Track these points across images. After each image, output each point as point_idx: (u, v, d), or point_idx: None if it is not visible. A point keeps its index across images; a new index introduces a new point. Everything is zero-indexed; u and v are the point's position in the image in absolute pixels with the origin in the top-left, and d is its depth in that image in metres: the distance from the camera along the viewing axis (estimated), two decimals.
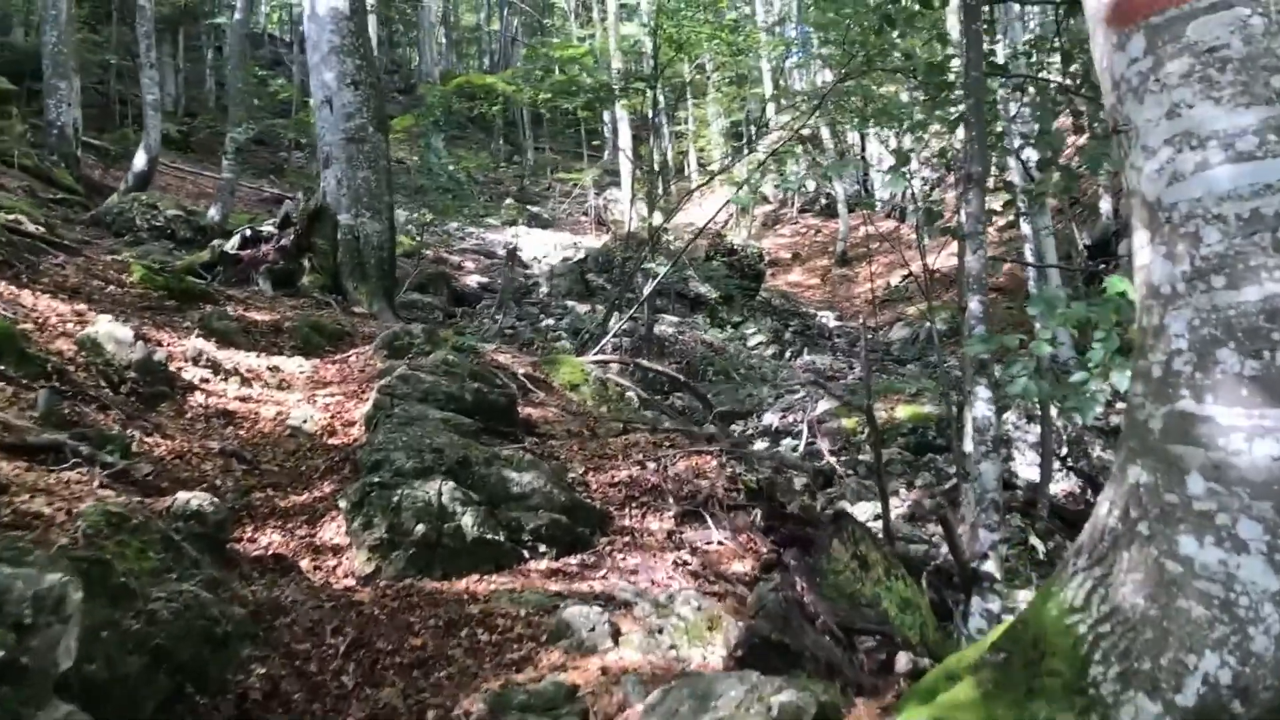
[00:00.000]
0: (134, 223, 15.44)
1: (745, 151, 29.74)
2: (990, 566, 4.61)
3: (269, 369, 6.07)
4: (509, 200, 29.61)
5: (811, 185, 27.95)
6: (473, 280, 23.71)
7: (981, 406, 4.74)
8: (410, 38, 39.36)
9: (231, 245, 10.75)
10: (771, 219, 28.59)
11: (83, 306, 5.71)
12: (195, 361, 5.71)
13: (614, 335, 19.35)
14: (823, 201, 27.98)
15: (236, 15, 18.33)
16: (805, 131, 28.23)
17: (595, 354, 9.87)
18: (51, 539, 3.03)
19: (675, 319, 22.34)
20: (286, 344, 6.84)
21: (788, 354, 21.41)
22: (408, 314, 16.43)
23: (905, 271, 25.13)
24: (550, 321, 21.01)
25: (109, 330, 5.33)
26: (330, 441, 5.24)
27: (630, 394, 6.94)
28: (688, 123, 29.14)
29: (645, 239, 24.26)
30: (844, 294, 24.61)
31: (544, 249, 27.74)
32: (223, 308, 7.52)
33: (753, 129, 29.30)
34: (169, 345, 5.81)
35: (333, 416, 5.51)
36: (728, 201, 25.58)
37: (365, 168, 11.03)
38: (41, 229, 7.93)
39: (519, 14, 37.16)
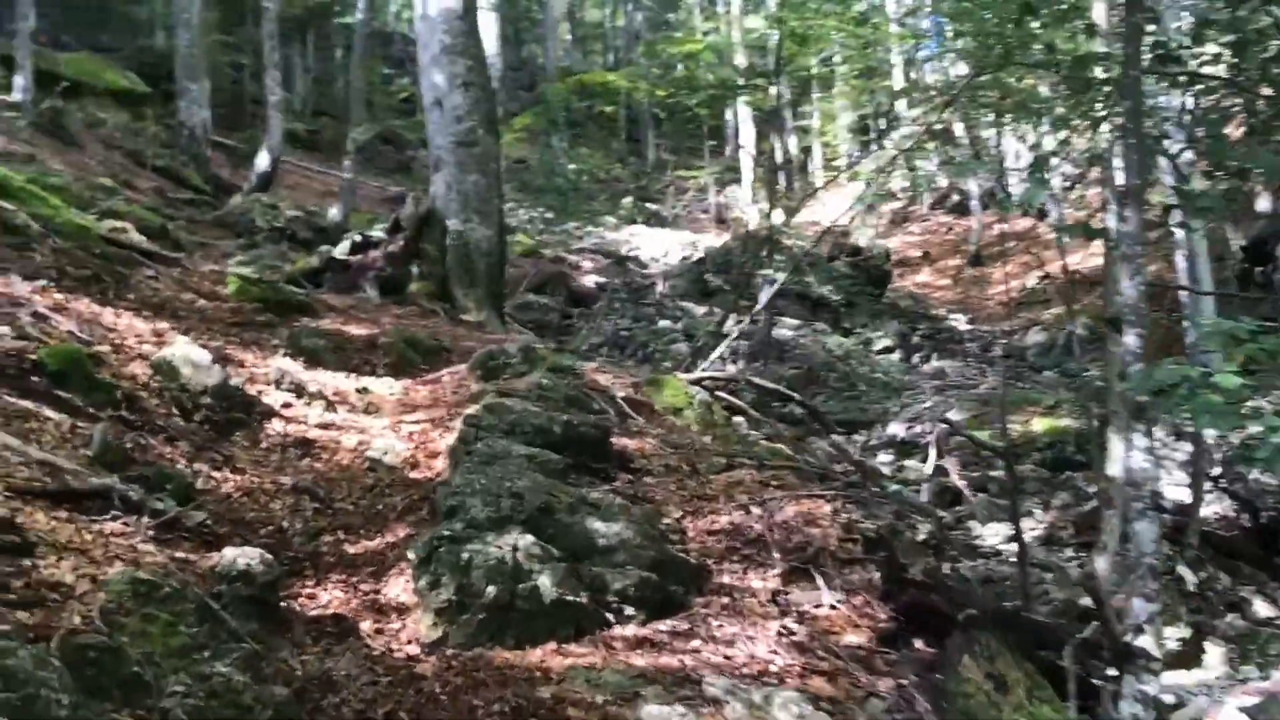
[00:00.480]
0: (255, 224, 15.48)
1: (873, 147, 28.85)
2: (1146, 642, 3.98)
3: (357, 391, 5.75)
4: (628, 199, 29.28)
5: (943, 182, 26.92)
6: (590, 280, 23.42)
7: (1138, 457, 4.11)
8: (536, 34, 39.35)
9: (341, 251, 10.56)
10: (900, 217, 27.62)
11: (166, 324, 5.45)
12: (278, 384, 5.40)
13: (729, 342, 18.83)
14: (954, 198, 26.90)
15: (359, 14, 18.32)
16: (937, 126, 27.24)
17: (705, 368, 9.37)
18: (61, 620, 2.67)
19: (795, 322, 21.61)
20: (380, 362, 6.52)
21: (915, 359, 20.51)
22: (521, 316, 16.20)
23: (1042, 273, 23.99)
24: (666, 323, 20.58)
25: (185, 352, 5.05)
26: (412, 475, 4.86)
27: (739, 418, 6.42)
28: (812, 118, 28.35)
29: (765, 239, 23.69)
30: (976, 296, 23.58)
31: (662, 248, 27.32)
32: (318, 322, 7.25)
33: (881, 124, 28.40)
34: (252, 366, 5.52)
35: (416, 447, 5.14)
36: (858, 199, 24.80)
37: (475, 172, 10.72)
38: (142, 239, 7.77)
39: (643, 9, 36.78)
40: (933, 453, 11.65)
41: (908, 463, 13.83)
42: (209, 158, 20.20)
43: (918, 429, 14.97)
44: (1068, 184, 24.82)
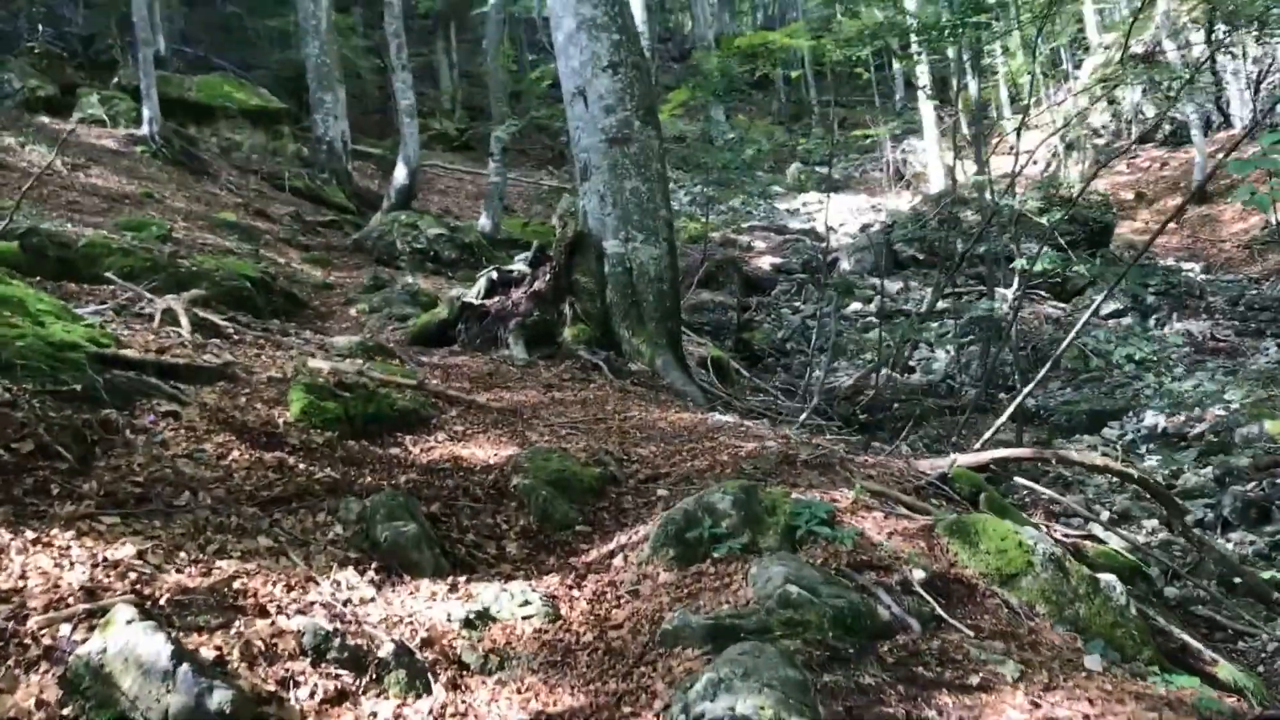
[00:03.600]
0: (395, 247, 13.21)
1: (1068, 81, 24.85)
2: None
3: (464, 629, 3.12)
4: (794, 165, 26.08)
5: (1150, 111, 22.84)
6: (765, 262, 20.45)
7: None
8: (681, 2, 36.28)
9: (474, 294, 8.03)
10: (1106, 157, 23.68)
11: (126, 552, 2.96)
12: (318, 654, 2.83)
13: (942, 321, 15.60)
14: (1166, 129, 22.78)
15: (491, 0, 15.79)
16: (1139, 49, 23.10)
17: (987, 442, 6.43)
18: None
19: (1005, 292, 18.08)
20: (510, 531, 3.87)
21: (1152, 322, 16.81)
22: (696, 320, 13.49)
23: None
24: (857, 305, 17.54)
25: (127, 647, 2.50)
26: None
27: (1107, 578, 3.58)
28: (996, 56, 24.51)
29: (961, 196, 20.22)
30: (1208, 239, 19.64)
31: (838, 217, 24.08)
32: (424, 446, 4.65)
33: (1074, 53, 24.37)
34: (277, 608, 2.95)
35: None
36: (1054, 132, 21.09)
37: (634, 176, 7.99)
38: (186, 334, 5.33)
39: None
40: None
41: (1179, 459, 10.64)
42: (350, 171, 18.09)
43: (1180, 416, 11.68)
44: None
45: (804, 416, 7.06)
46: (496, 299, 7.90)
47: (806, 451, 4.57)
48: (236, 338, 6.38)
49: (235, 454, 3.98)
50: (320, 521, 3.56)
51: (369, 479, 4.10)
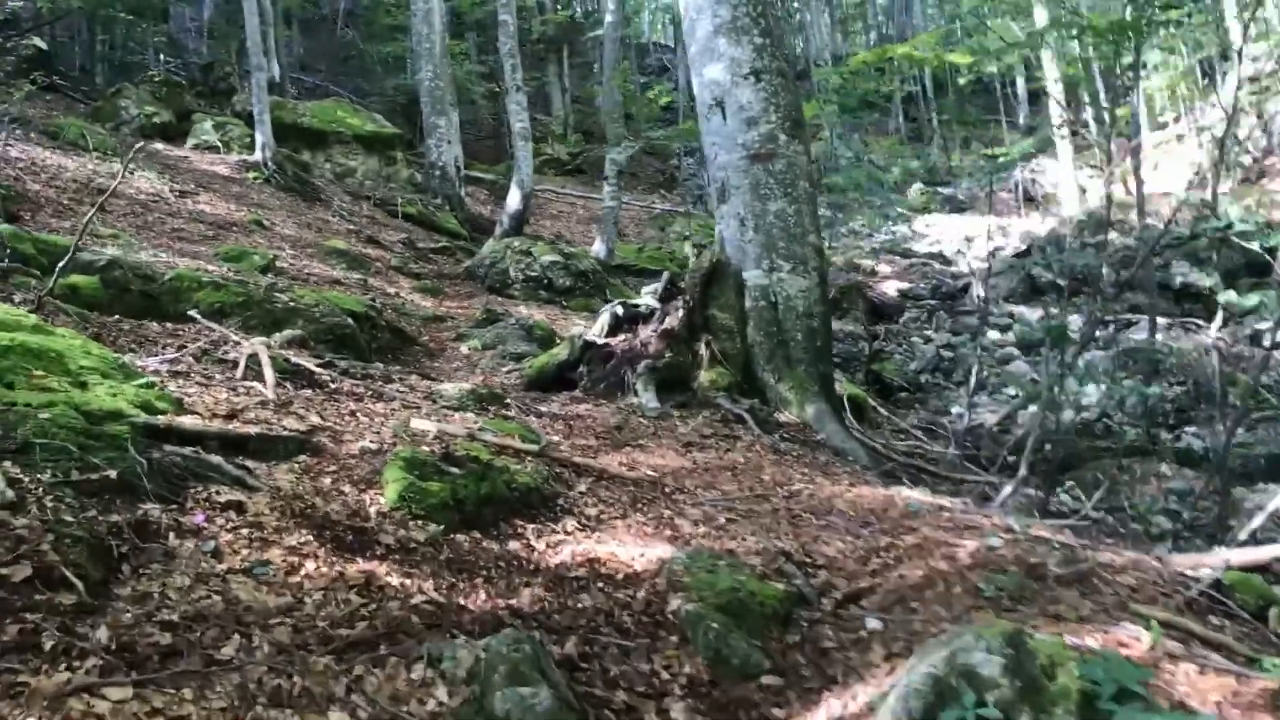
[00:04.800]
0: (508, 274, 12.29)
1: (1213, 96, 22.89)
2: None
3: None
4: (917, 185, 24.60)
5: None
6: (891, 287, 19.05)
7: None
8: (794, 23, 35.09)
9: (598, 331, 6.95)
10: (1255, 173, 21.72)
11: None
12: None
13: (1095, 349, 14.09)
14: None
15: (608, 19, 14.82)
16: None
17: (1254, 534, 5.09)
18: None
19: (1162, 320, 16.46)
20: (675, 682, 2.75)
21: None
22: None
23: None
24: (994, 334, 16.04)
25: None
26: None
27: None
28: (1139, 70, 22.72)
29: (1105, 218, 18.63)
30: None
31: (965, 239, 22.56)
32: (550, 546, 3.57)
33: (1223, 65, 22.45)
34: None
35: None
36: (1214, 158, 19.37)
37: (779, 197, 6.84)
38: (260, 392, 4.36)
39: None
40: None
41: None
42: (463, 197, 17.31)
43: None
44: None
45: (1008, 492, 5.80)
46: (622, 337, 6.82)
47: (1053, 559, 3.36)
48: (332, 386, 5.41)
49: (310, 566, 2.94)
50: (417, 680, 2.48)
51: (483, 598, 3.02)
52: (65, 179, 11.22)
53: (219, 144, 15.29)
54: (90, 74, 20.43)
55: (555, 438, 5.41)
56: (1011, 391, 13.43)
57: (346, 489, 3.58)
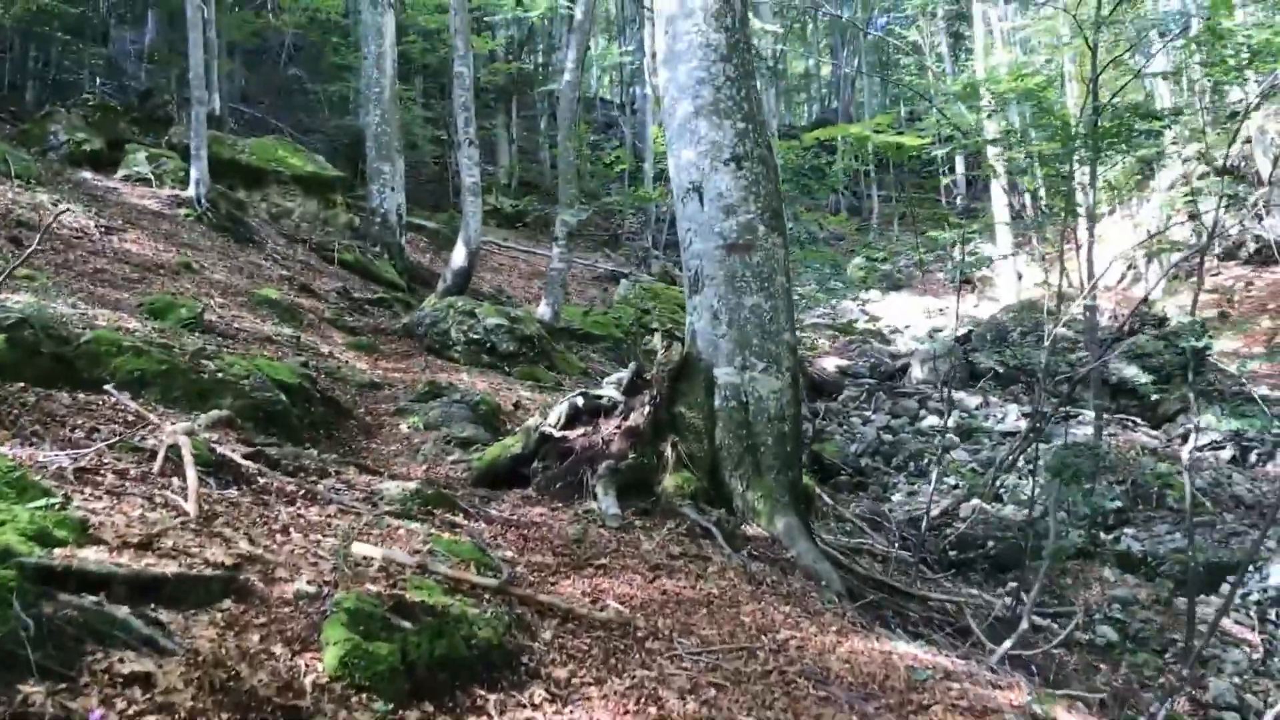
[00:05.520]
0: (449, 335, 11.68)
1: (1149, 190, 23.24)
2: None
3: None
4: (857, 260, 24.53)
5: (1234, 227, 21.18)
6: (830, 363, 18.79)
7: None
8: None
9: (553, 422, 6.38)
10: (1184, 272, 22.01)
11: None
12: None
13: (1023, 453, 13.87)
14: (1251, 246, 21.08)
15: (566, 78, 14.40)
16: (1220, 160, 21.49)
17: None
18: None
19: (1090, 415, 16.31)
20: None
21: (1253, 458, 14.93)
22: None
23: None
24: (933, 420, 15.81)
25: None
26: None
27: None
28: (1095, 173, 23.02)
29: (1042, 306, 18.63)
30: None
31: (903, 318, 22.47)
32: (518, 703, 2.99)
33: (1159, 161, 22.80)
34: None
35: None
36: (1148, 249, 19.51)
37: (755, 290, 6.38)
38: (196, 510, 3.73)
39: (860, 53, 31.94)
40: None
41: None
42: (403, 246, 16.66)
43: None
44: None
45: (1007, 647, 5.33)
46: (581, 431, 6.26)
47: None
48: (261, 482, 4.76)
49: None
50: None
51: None
52: None
53: (151, 176, 14.47)
54: (18, 91, 19.42)
55: (509, 552, 4.83)
56: (951, 480, 13.13)
57: (278, 650, 2.96)
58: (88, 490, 3.73)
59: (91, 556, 3.03)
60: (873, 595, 6.02)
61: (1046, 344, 14.32)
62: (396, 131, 16.64)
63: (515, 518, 5.49)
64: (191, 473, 4.13)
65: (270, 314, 10.83)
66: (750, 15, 7.93)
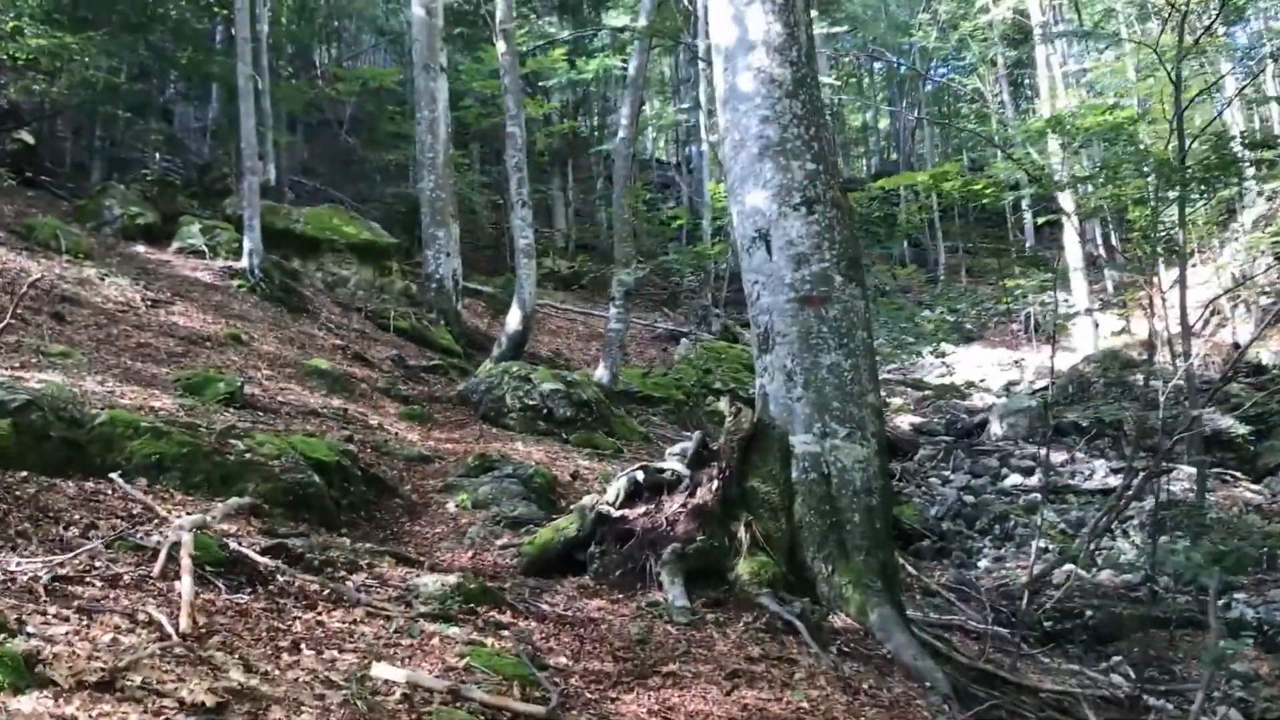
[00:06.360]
0: (504, 402, 11.08)
1: (1229, 228, 22.11)
2: None
3: None
4: (927, 312, 23.62)
5: None
6: (904, 421, 17.87)
7: None
8: None
9: (611, 499, 5.68)
10: (1275, 316, 20.79)
11: None
12: None
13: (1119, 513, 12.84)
14: None
15: (620, 135, 13.91)
16: None
17: None
18: None
19: (1191, 470, 15.14)
20: None
21: None
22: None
23: None
24: (1015, 479, 14.83)
25: None
26: None
27: None
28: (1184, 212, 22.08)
29: (1129, 359, 17.57)
30: None
31: (978, 371, 21.48)
32: None
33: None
34: None
35: None
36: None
37: (833, 348, 5.65)
38: (188, 625, 3.10)
39: (920, 104, 31.27)
40: None
41: None
42: (459, 311, 16.20)
43: None
44: None
45: None
46: (642, 509, 5.55)
47: None
48: (279, 582, 4.12)
49: None
50: None
51: None
52: (24, 284, 10.03)
53: (205, 248, 14.19)
54: (85, 170, 19.47)
55: (562, 658, 4.12)
56: (1040, 543, 12.16)
57: None
58: (55, 608, 3.10)
59: (25, 708, 2.38)
60: (981, 693, 5.19)
61: (1148, 396, 13.33)
62: (451, 196, 16.27)
63: (570, 613, 4.78)
64: (187, 580, 3.50)
65: (320, 385, 10.33)
66: None
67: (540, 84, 23.56)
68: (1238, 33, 21.22)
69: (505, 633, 4.27)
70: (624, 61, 18.73)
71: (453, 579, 4.60)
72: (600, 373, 13.17)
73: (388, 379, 12.03)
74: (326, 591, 4.19)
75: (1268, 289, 20.67)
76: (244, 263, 13.75)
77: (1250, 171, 11.15)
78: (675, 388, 14.73)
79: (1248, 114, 23.48)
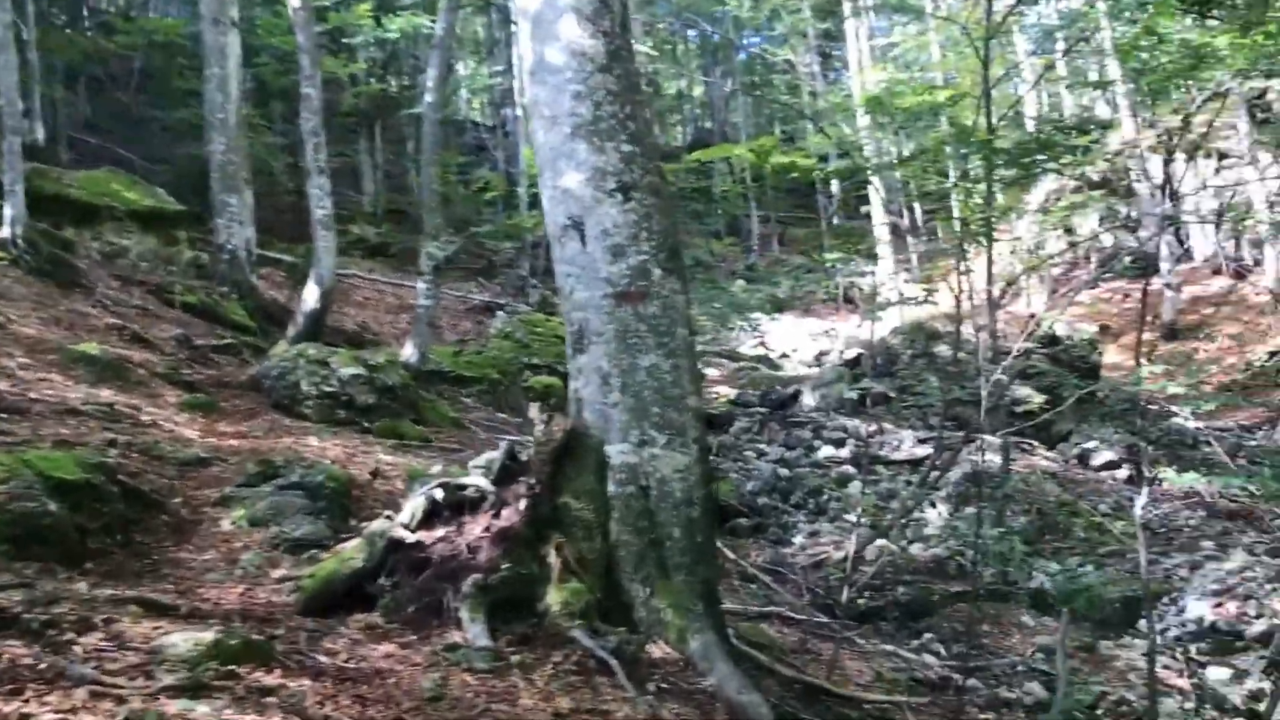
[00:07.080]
0: (299, 389, 10.13)
1: (1022, 204, 22.93)
2: None
3: None
4: (739, 282, 23.62)
5: (1107, 240, 20.97)
6: (718, 392, 17.72)
7: None
8: None
9: (405, 521, 4.99)
10: (1061, 285, 21.74)
11: None
12: None
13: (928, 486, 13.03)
14: (1125, 259, 20.90)
15: (428, 99, 12.97)
16: (1096, 174, 21.33)
17: None
18: None
19: (991, 439, 15.44)
20: None
21: (1150, 475, 14.23)
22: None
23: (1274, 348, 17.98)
24: (828, 450, 14.83)
25: None
26: None
27: None
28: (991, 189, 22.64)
29: (934, 330, 17.92)
30: (1188, 380, 17.52)
31: (790, 341, 21.61)
32: None
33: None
34: None
35: None
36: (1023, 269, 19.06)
37: (652, 348, 5.12)
38: None
39: (734, 73, 31.10)
40: None
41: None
42: (254, 284, 14.94)
43: (1231, 608, 9.18)
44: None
45: None
46: (441, 533, 4.89)
47: None
48: None
49: None
50: None
51: None
52: None
53: None
54: None
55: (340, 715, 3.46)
56: (852, 517, 12.13)
57: None
58: None
59: None
60: (806, 717, 4.84)
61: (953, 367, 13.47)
62: (244, 160, 14.94)
63: (353, 664, 4.10)
64: None
65: (87, 374, 9.14)
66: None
67: (345, 41, 22.12)
68: (1034, 13, 21.93)
69: (271, 700, 3.57)
70: (433, 21, 17.67)
71: (210, 635, 3.83)
72: (408, 352, 12.33)
73: (169, 363, 10.85)
74: (42, 665, 3.38)
75: (1057, 260, 21.60)
76: (5, 232, 12.15)
77: (1067, 158, 11.30)
78: (490, 366, 14.02)
79: (1036, 91, 24.40)
